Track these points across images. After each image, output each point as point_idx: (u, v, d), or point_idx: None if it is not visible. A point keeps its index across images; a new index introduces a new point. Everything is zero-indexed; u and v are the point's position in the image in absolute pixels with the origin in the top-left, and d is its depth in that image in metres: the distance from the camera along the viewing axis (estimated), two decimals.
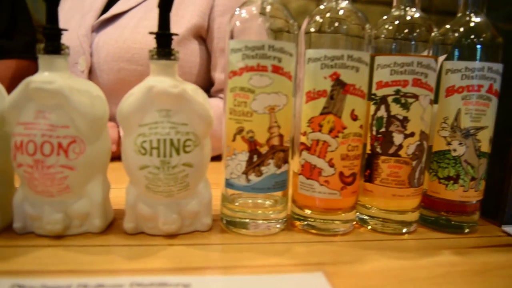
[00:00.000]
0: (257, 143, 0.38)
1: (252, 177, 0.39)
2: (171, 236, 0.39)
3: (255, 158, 0.39)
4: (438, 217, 0.45)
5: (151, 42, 0.72)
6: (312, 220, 0.41)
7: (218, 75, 0.77)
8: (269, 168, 0.39)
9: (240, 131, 0.38)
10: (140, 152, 0.36)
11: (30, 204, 0.38)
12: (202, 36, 0.77)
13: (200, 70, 0.78)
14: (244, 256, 0.36)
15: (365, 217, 0.44)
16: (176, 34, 0.38)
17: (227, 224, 0.41)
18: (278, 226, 0.41)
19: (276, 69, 0.37)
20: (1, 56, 0.83)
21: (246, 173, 0.39)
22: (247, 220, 0.40)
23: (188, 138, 0.37)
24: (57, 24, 0.38)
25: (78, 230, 0.39)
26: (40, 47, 0.37)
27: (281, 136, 0.39)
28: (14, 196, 0.38)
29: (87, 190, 0.39)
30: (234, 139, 0.39)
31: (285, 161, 0.40)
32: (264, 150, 0.38)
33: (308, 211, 0.42)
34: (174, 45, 0.76)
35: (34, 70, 0.87)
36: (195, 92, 0.38)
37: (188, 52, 0.75)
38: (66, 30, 0.38)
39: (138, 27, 0.72)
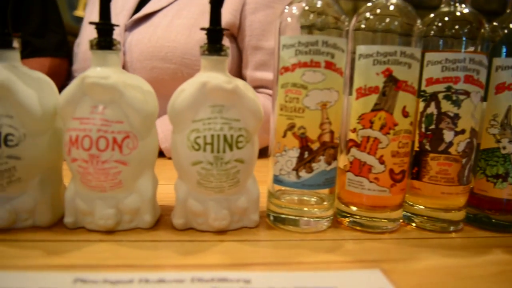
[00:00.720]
0: (308, 140, 0.38)
1: (303, 173, 0.39)
2: (221, 232, 0.39)
3: (306, 155, 0.38)
4: (477, 214, 0.44)
5: (185, 41, 0.73)
6: (358, 217, 0.41)
7: (249, 73, 0.77)
8: (320, 165, 0.39)
9: (291, 127, 0.38)
10: (194, 147, 0.36)
11: (82, 199, 0.38)
12: (233, 34, 0.77)
13: (232, 69, 0.78)
14: (296, 253, 0.36)
15: (410, 215, 0.44)
16: (227, 30, 0.38)
17: (274, 220, 0.41)
18: (326, 223, 0.41)
19: (329, 65, 0.37)
20: (34, 54, 0.83)
21: (296, 169, 0.39)
22: (296, 217, 0.40)
23: (240, 134, 0.37)
24: (110, 20, 0.38)
25: (128, 226, 0.39)
26: (93, 43, 0.37)
27: (332, 133, 0.39)
28: (66, 191, 0.38)
29: (138, 185, 0.39)
30: (284, 136, 0.39)
31: (335, 157, 0.40)
32: (315, 146, 0.38)
33: (354, 208, 0.42)
34: None
35: (65, 68, 0.88)
36: (246, 88, 0.38)
37: None
38: (117, 25, 0.38)
39: (171, 25, 0.73)
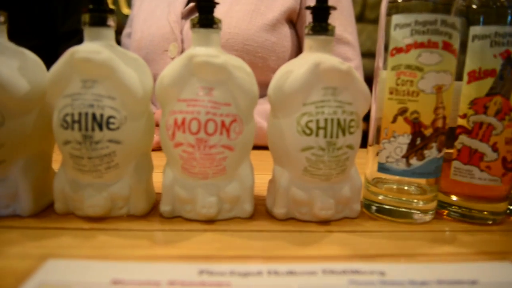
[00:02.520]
0: (421, 125, 0.36)
1: (414, 161, 0.37)
2: (325, 222, 0.37)
3: (418, 141, 0.36)
4: None
5: (246, 27, 0.71)
6: (466, 209, 0.39)
7: None
8: (432, 152, 0.37)
9: (403, 111, 0.36)
10: (305, 132, 0.34)
11: (181, 187, 0.36)
12: (292, 20, 0.74)
13: (291, 55, 0.75)
14: (413, 244, 0.34)
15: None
16: (334, 8, 0.36)
17: (377, 211, 0.39)
18: (431, 215, 0.39)
19: (447, 46, 0.35)
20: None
21: (407, 156, 0.37)
22: (404, 209, 0.38)
23: (352, 118, 0.35)
24: None
25: (227, 215, 0.37)
26: (195, 21, 0.35)
27: (444, 118, 0.36)
28: (163, 178, 0.36)
29: (239, 172, 0.37)
30: (394, 121, 0.37)
31: (445, 144, 0.38)
32: (428, 132, 0.36)
33: (454, 198, 0.40)
34: (268, 29, 0.74)
35: None
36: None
37: (281, 37, 0.72)
38: (218, 3, 0.36)
39: (230, 11, 0.70)
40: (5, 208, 0.36)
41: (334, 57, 0.35)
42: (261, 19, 0.70)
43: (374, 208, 0.39)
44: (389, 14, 0.37)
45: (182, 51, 0.73)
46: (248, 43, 0.69)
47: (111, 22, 0.35)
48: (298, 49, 0.77)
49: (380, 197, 0.39)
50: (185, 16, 0.75)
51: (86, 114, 0.33)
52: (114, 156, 0.34)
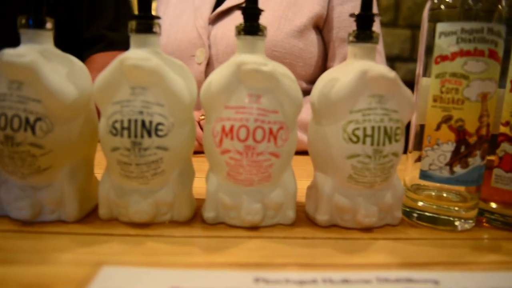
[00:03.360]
0: (466, 133, 0.36)
1: (457, 168, 0.37)
2: (367, 229, 0.37)
3: (462, 149, 0.36)
4: None
5: (274, 33, 0.71)
6: (502, 216, 0.39)
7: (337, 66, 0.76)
8: (476, 160, 0.37)
9: (447, 119, 0.36)
10: (352, 140, 0.34)
11: (226, 193, 0.36)
12: (319, 26, 0.74)
13: (318, 61, 0.75)
14: (460, 252, 0.34)
15: None
16: (379, 15, 0.36)
17: (418, 219, 0.39)
18: (472, 222, 0.39)
19: (492, 54, 0.35)
20: (109, 48, 0.82)
21: (450, 164, 0.37)
22: (448, 217, 0.38)
23: (398, 126, 0.35)
24: (257, 4, 0.36)
25: (271, 222, 0.37)
26: (240, 28, 0.35)
27: (488, 126, 0.37)
28: (208, 184, 0.37)
29: (283, 179, 0.37)
30: (438, 128, 0.37)
31: (487, 152, 0.38)
32: (473, 140, 0.36)
33: (494, 205, 0.40)
34: (296, 35, 0.74)
35: None
36: None
37: (308, 43, 0.72)
38: (263, 10, 0.36)
39: None
40: (50, 214, 0.36)
41: (380, 64, 0.35)
42: (289, 25, 0.70)
43: (415, 215, 0.39)
44: (431, 20, 0.37)
45: (209, 56, 0.73)
46: (276, 50, 0.70)
47: (157, 28, 0.35)
48: (324, 55, 0.77)
49: (420, 204, 0.39)
50: (212, 21, 0.75)
51: (136, 121, 0.33)
52: (161, 163, 0.34)
